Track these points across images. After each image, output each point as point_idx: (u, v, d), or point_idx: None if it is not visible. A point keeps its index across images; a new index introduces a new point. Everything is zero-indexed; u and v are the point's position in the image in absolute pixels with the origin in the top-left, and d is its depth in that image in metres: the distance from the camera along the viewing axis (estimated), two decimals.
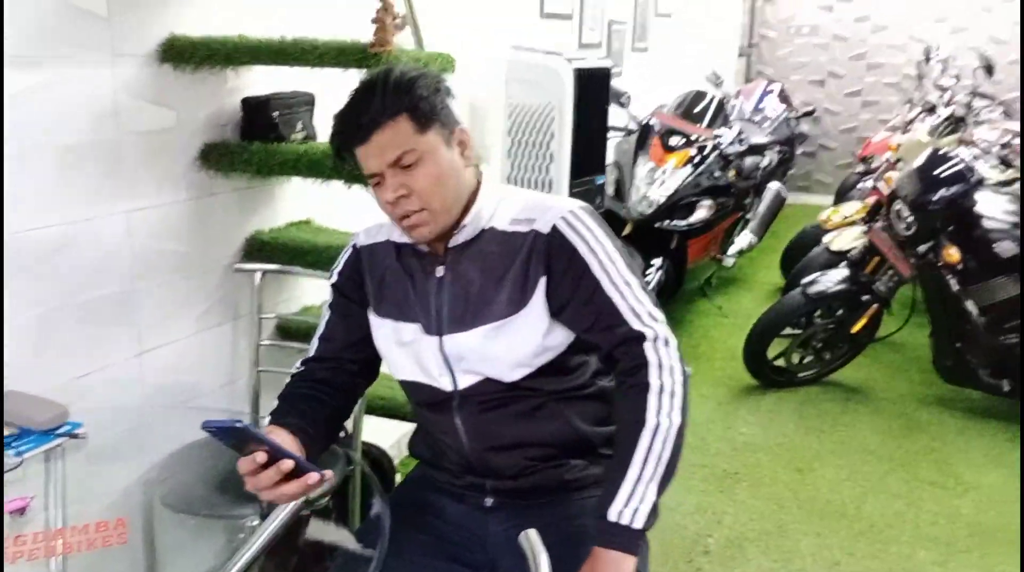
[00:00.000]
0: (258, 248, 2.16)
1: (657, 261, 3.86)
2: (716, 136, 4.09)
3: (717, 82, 5.43)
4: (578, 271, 1.27)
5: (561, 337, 1.32)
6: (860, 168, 5.58)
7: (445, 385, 1.35)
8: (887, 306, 3.49)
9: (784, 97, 6.01)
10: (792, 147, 5.87)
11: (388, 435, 2.78)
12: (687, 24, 5.68)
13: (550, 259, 1.28)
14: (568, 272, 1.27)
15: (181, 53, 1.83)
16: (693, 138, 4.00)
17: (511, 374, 1.31)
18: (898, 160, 4.16)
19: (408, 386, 1.42)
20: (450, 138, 1.28)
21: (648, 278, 3.81)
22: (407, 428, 2.77)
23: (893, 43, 7.14)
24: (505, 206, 1.34)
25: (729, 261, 4.51)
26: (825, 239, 4.24)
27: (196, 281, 2.05)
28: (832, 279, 3.48)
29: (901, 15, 7.06)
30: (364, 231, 1.46)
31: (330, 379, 1.43)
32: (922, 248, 3.24)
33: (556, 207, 1.31)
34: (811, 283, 3.50)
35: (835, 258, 4.06)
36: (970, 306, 3.15)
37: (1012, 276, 3.10)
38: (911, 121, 4.85)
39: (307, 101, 2.16)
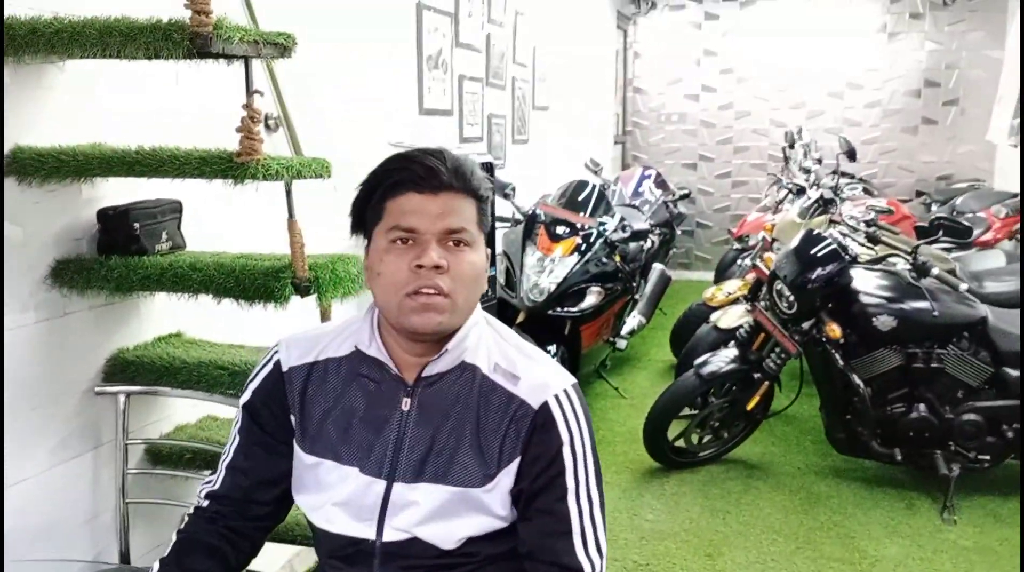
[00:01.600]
0: (122, 368, 1.98)
1: (552, 348, 3.82)
2: (600, 223, 4.14)
3: (596, 169, 5.57)
4: (554, 472, 1.16)
5: (512, 511, 1.21)
6: (737, 246, 5.79)
7: (367, 534, 1.19)
8: (777, 381, 3.55)
9: (660, 181, 6.22)
10: (672, 228, 6.05)
11: (277, 559, 2.56)
12: (564, 115, 5.83)
13: (530, 442, 1.16)
14: (543, 468, 1.16)
15: (26, 166, 1.68)
16: (578, 226, 4.03)
17: (446, 544, 1.17)
18: (774, 240, 4.31)
19: (323, 535, 1.24)
20: (485, 254, 1.21)
21: None
22: (297, 549, 2.58)
23: (756, 127, 7.56)
24: (489, 343, 1.23)
25: (622, 343, 4.52)
26: (712, 318, 4.33)
27: (48, 409, 1.85)
28: (723, 359, 3.51)
29: (761, 102, 7.50)
30: (291, 345, 1.27)
31: (235, 527, 1.27)
32: (805, 325, 3.31)
33: (549, 378, 1.20)
34: (703, 364, 3.52)
35: (722, 335, 4.14)
36: (855, 379, 3.23)
37: (892, 348, 3.21)
38: (781, 201, 5.08)
39: (173, 209, 2.03)
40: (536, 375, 1.20)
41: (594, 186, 4.37)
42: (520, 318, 3.90)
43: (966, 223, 3.57)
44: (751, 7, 7.40)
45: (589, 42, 6.45)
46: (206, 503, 1.29)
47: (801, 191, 4.55)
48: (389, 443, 1.19)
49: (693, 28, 7.59)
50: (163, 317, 2.15)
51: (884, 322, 3.19)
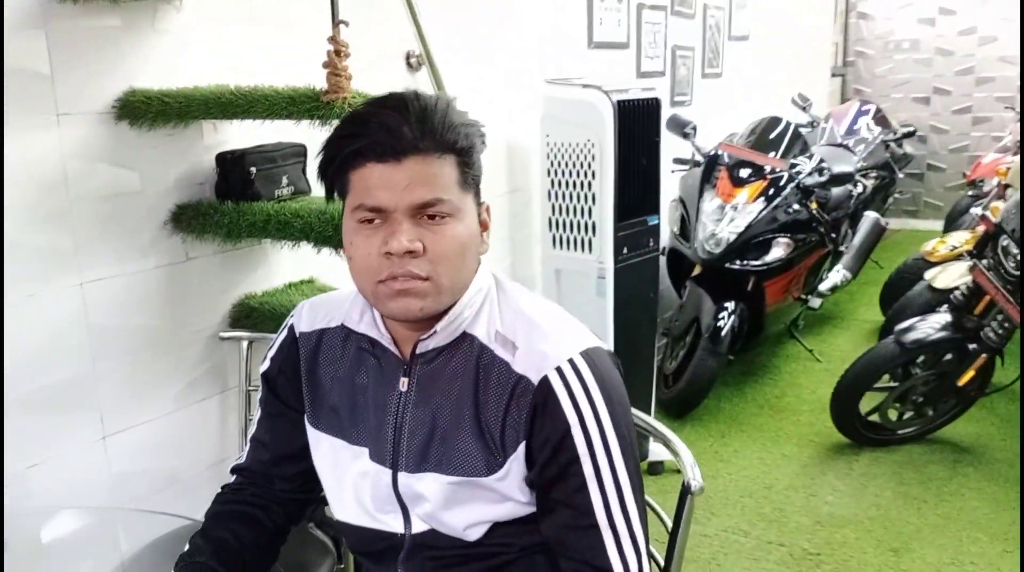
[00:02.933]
0: (247, 314, 1.97)
1: (730, 305, 3.49)
2: (792, 166, 3.70)
3: (804, 105, 5.03)
4: (564, 459, 1.00)
5: (530, 498, 1.06)
6: (970, 191, 5.05)
7: (395, 527, 1.08)
8: (999, 355, 3.01)
9: (880, 118, 5.53)
10: (892, 171, 5.37)
11: None
12: (768, 46, 5.29)
13: (533, 424, 1.00)
14: (550, 456, 1.00)
15: (136, 110, 1.66)
16: (766, 169, 3.62)
17: (471, 533, 1.05)
18: (1007, 186, 3.67)
19: (349, 529, 1.13)
20: (479, 212, 1.04)
21: (720, 324, 3.44)
22: None
23: (1004, 55, 6.52)
24: (491, 307, 1.07)
25: (815, 301, 4.08)
26: (927, 275, 3.78)
27: (173, 355, 1.87)
28: (932, 325, 3.03)
29: (1010, 25, 6.43)
30: (306, 309, 1.17)
31: (261, 496, 1.19)
32: None
33: (550, 346, 1.02)
34: (907, 330, 3.05)
35: (937, 296, 3.60)
36: None
37: None
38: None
39: (296, 153, 1.97)
40: (537, 342, 1.02)
41: (788, 123, 3.91)
42: (696, 271, 3.60)
43: None
44: None
45: None
46: (232, 477, 1.22)
47: None
48: (390, 428, 1.07)
49: None
50: (298, 263, 2.12)
51: None
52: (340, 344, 1.12)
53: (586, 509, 1.00)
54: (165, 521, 1.64)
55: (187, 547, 1.14)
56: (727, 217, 3.49)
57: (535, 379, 0.99)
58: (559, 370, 0.99)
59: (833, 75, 6.92)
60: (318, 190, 1.99)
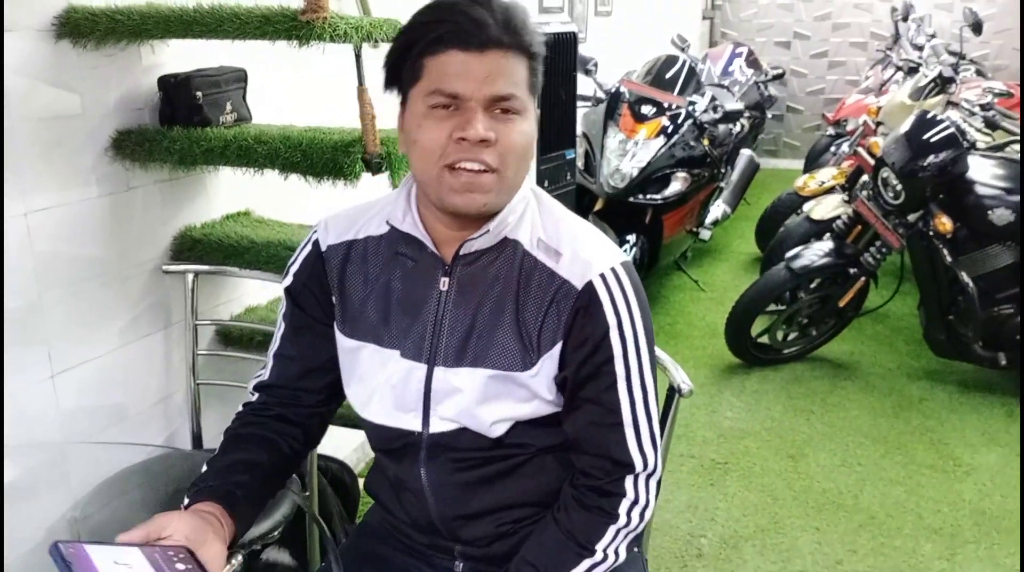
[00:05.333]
0: (189, 246, 1.90)
1: (631, 237, 3.64)
2: (690, 103, 3.86)
3: (683, 46, 5.21)
4: (600, 358, 1.05)
5: (560, 397, 1.10)
6: (831, 131, 5.42)
7: (413, 425, 1.10)
8: (874, 278, 3.32)
9: (752, 60, 5.82)
10: (763, 111, 5.69)
11: (347, 443, 2.55)
12: None
13: (572, 325, 1.04)
14: (588, 354, 1.05)
15: (79, 27, 1.55)
16: (665, 106, 3.77)
17: (496, 429, 1.09)
18: (878, 124, 3.98)
19: (372, 427, 1.16)
20: (535, 117, 1.05)
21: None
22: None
23: (859, 2, 6.96)
24: (535, 216, 1.10)
25: (705, 234, 4.32)
26: (805, 208, 4.08)
27: (116, 288, 1.79)
28: (817, 252, 3.29)
29: None
30: (330, 223, 1.17)
31: (285, 415, 1.19)
32: (911, 217, 3.06)
33: (595, 255, 1.06)
34: (795, 257, 3.31)
35: (815, 227, 3.90)
36: (963, 277, 2.99)
37: (1007, 244, 2.94)
38: (886, 82, 4.67)
39: (238, 78, 1.89)
40: (581, 251, 1.06)
41: (684, 62, 4.07)
42: (598, 206, 3.72)
43: None
44: None
45: None
46: (255, 396, 1.21)
47: (913, 70, 4.15)
48: (428, 325, 1.09)
49: None
50: (231, 194, 2.05)
51: (1001, 216, 2.92)
52: (371, 252, 1.13)
53: (613, 407, 1.06)
54: (117, 455, 1.61)
55: (204, 468, 1.12)
56: (630, 153, 3.62)
57: (579, 284, 1.03)
58: (602, 276, 1.04)
59: (703, 18, 7.18)
60: (258, 117, 1.95)
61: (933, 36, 4.53)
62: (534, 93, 1.03)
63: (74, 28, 1.56)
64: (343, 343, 1.15)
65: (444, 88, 0.96)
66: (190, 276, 1.87)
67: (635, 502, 1.09)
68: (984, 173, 3.01)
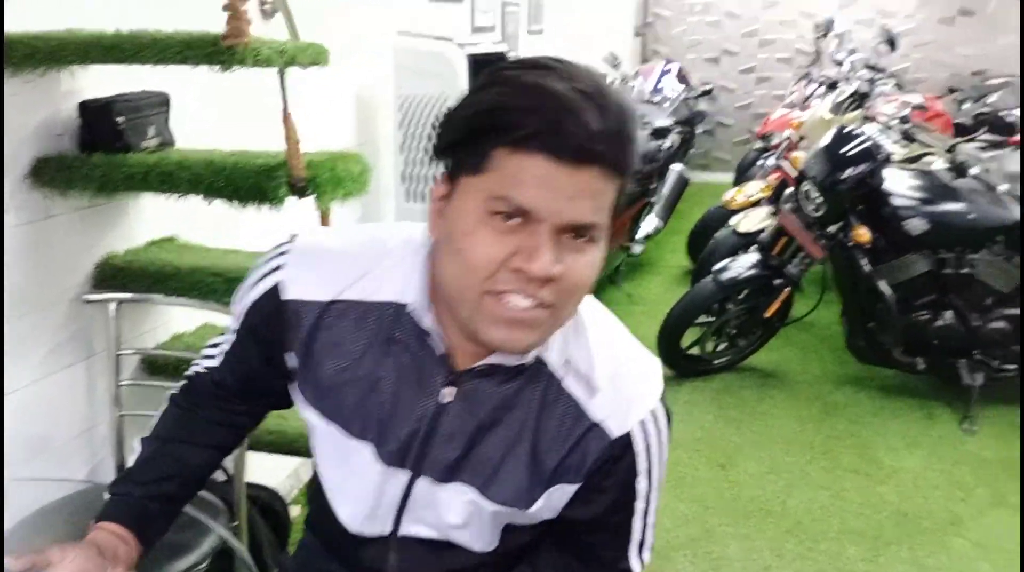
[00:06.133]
0: (112, 274, 1.87)
1: None
2: None
3: (615, 63, 5.31)
4: (623, 499, 0.93)
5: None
6: (759, 145, 5.57)
7: (381, 530, 0.99)
8: (799, 288, 3.43)
9: (682, 76, 5.95)
10: (692, 127, 5.81)
11: (278, 470, 2.52)
12: (581, 5, 5.52)
13: (598, 472, 0.91)
14: (610, 499, 0.93)
15: None
16: None
17: (480, 546, 0.98)
18: (801, 138, 4.11)
19: (338, 531, 1.04)
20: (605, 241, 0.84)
21: None
22: (300, 461, 2.53)
23: (784, 19, 7.19)
24: (567, 329, 0.89)
25: (637, 248, 4.40)
26: (732, 221, 4.18)
27: (35, 318, 1.75)
28: (743, 265, 3.38)
29: None
30: (300, 265, 0.93)
31: (217, 410, 1.08)
32: (832, 229, 3.17)
33: (635, 393, 0.90)
34: (722, 270, 3.40)
35: (743, 240, 4.00)
36: (882, 285, 3.11)
37: (922, 253, 3.07)
38: (809, 97, 4.84)
39: (160, 102, 1.87)
40: (623, 388, 0.90)
41: (613, 80, 4.14)
42: None
43: (1008, 121, 3.37)
44: None
45: None
46: (184, 384, 1.10)
47: (833, 86, 4.31)
48: (419, 431, 0.92)
49: None
50: (155, 220, 2.03)
51: (916, 225, 3.05)
52: (354, 319, 0.92)
53: (625, 533, 0.96)
54: (37, 492, 1.57)
55: (134, 463, 1.06)
56: None
57: (615, 431, 0.89)
58: (643, 424, 0.90)
59: (635, 35, 7.32)
60: (182, 142, 1.94)
61: (853, 52, 4.71)
62: (617, 212, 0.83)
63: None
64: (307, 414, 0.98)
65: (515, 198, 0.75)
66: (113, 305, 1.84)
67: None
68: (900, 184, 3.13)
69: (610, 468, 0.90)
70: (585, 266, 0.79)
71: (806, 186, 3.17)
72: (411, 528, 0.98)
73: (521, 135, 0.74)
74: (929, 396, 3.35)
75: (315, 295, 0.92)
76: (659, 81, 5.78)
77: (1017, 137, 4.73)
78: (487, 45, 2.85)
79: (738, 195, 4.46)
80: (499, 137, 0.75)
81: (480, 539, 0.98)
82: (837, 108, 3.95)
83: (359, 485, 0.97)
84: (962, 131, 3.26)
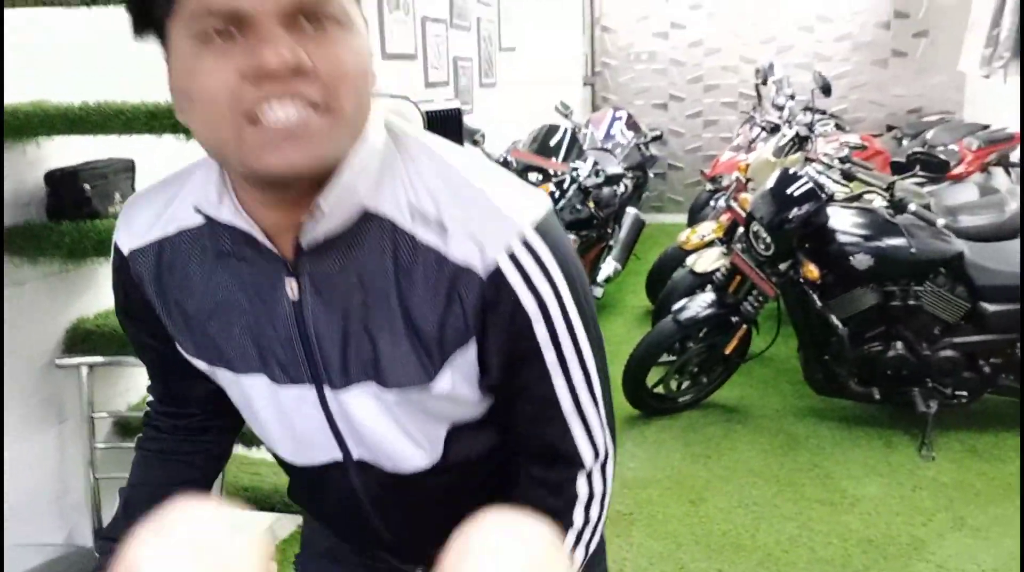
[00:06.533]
0: (83, 338, 1.89)
1: None
2: (573, 169, 4.05)
3: (566, 112, 5.44)
4: (525, 351, 0.82)
5: (487, 397, 0.89)
6: (709, 187, 5.73)
7: (332, 455, 0.90)
8: (755, 324, 3.53)
9: (632, 123, 6.12)
10: (644, 171, 5.97)
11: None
12: (531, 57, 5.68)
13: (485, 323, 0.80)
14: (509, 350, 0.82)
15: None
16: (551, 173, 3.94)
17: (422, 459, 0.89)
18: (748, 180, 4.26)
19: (284, 462, 0.98)
20: (366, 29, 0.74)
21: None
22: (276, 516, 2.53)
23: (726, 65, 7.45)
24: (398, 170, 0.79)
25: (597, 291, 4.48)
26: (688, 261, 4.28)
27: (7, 384, 1.76)
28: (701, 304, 3.48)
29: (731, 38, 7.38)
30: (130, 211, 0.89)
31: (183, 442, 1.05)
32: (782, 266, 3.28)
33: (492, 223, 0.78)
34: (681, 310, 3.48)
35: (699, 279, 4.10)
36: (833, 319, 3.21)
37: (869, 287, 3.19)
38: (754, 139, 5.02)
39: (126, 167, 1.92)
40: (475, 219, 0.78)
41: (565, 130, 4.27)
42: None
43: (942, 157, 3.54)
44: None
45: None
46: (147, 421, 1.09)
47: (775, 129, 4.48)
48: (292, 338, 0.83)
49: None
50: None
51: (861, 260, 3.17)
52: (189, 251, 0.84)
53: (550, 400, 0.86)
54: (14, 556, 1.57)
55: (115, 515, 1.05)
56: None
57: (482, 270, 0.77)
58: (512, 256, 0.77)
59: (584, 84, 7.51)
60: None
61: (792, 97, 4.91)
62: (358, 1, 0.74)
63: None
64: (197, 363, 0.91)
65: (215, 5, 0.65)
66: (85, 368, 1.85)
67: (590, 498, 0.91)
68: (843, 222, 3.26)
69: (495, 318, 0.79)
70: (344, 52, 0.68)
71: (755, 227, 3.28)
72: (356, 451, 0.89)
73: None
74: (886, 424, 3.45)
75: (144, 238, 0.86)
76: (610, 128, 5.94)
77: (955, 170, 4.96)
78: (441, 102, 2.93)
79: (692, 236, 4.58)
80: None
81: (417, 449, 0.87)
82: (780, 151, 4.11)
83: (277, 418, 0.89)
84: (899, 169, 3.41)
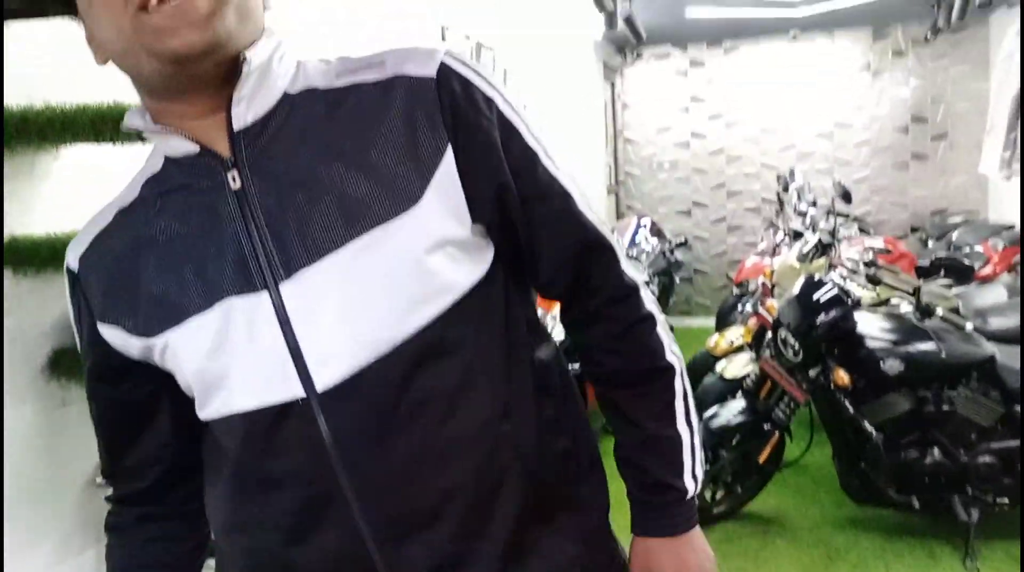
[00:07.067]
0: None
1: None
2: None
3: None
4: (504, 138, 0.82)
5: (485, 253, 0.84)
6: (736, 291, 5.77)
7: (291, 392, 0.78)
8: (788, 431, 3.49)
9: (656, 230, 6.22)
10: (671, 277, 6.03)
11: None
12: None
13: (455, 118, 0.78)
14: (487, 142, 0.80)
15: (21, 256, 1.66)
16: None
17: (405, 323, 0.77)
18: (774, 286, 4.29)
19: (219, 430, 0.85)
20: None
21: None
22: None
23: (748, 171, 7.61)
24: (311, 66, 0.84)
25: None
26: (718, 368, 4.28)
27: (49, 504, 1.80)
28: (732, 411, 3.46)
29: (751, 146, 7.56)
30: (73, 248, 0.91)
31: (161, 519, 0.98)
32: (812, 372, 3.27)
33: (421, 50, 0.81)
34: (712, 417, 3.47)
35: (729, 385, 4.09)
36: (867, 425, 3.18)
37: (902, 392, 3.16)
38: (778, 244, 5.08)
39: None
40: (400, 52, 0.82)
41: None
42: None
43: (966, 262, 3.55)
44: (735, 53, 7.50)
45: (578, 94, 6.51)
46: (112, 516, 1.02)
47: (798, 235, 4.55)
48: (240, 235, 0.78)
49: (679, 76, 7.68)
50: None
51: (892, 366, 3.15)
52: (127, 225, 0.86)
53: (559, 191, 0.87)
54: None
55: None
56: (549, 326, 3.80)
57: (428, 72, 0.79)
58: (448, 59, 0.81)
59: (609, 193, 7.69)
60: None
61: (814, 203, 4.99)
62: None
63: (17, 258, 1.66)
64: (144, 345, 0.84)
65: None
66: None
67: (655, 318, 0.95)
68: (872, 327, 3.27)
69: (463, 109, 0.79)
70: None
71: (783, 333, 3.30)
72: (323, 375, 0.77)
73: None
74: (928, 534, 3.35)
75: (88, 238, 0.88)
76: (635, 236, 6.04)
77: (983, 271, 4.97)
78: None
79: (721, 341, 4.59)
80: None
81: (401, 312, 0.77)
82: (804, 257, 4.15)
83: (227, 354, 0.79)
84: (925, 273, 3.43)
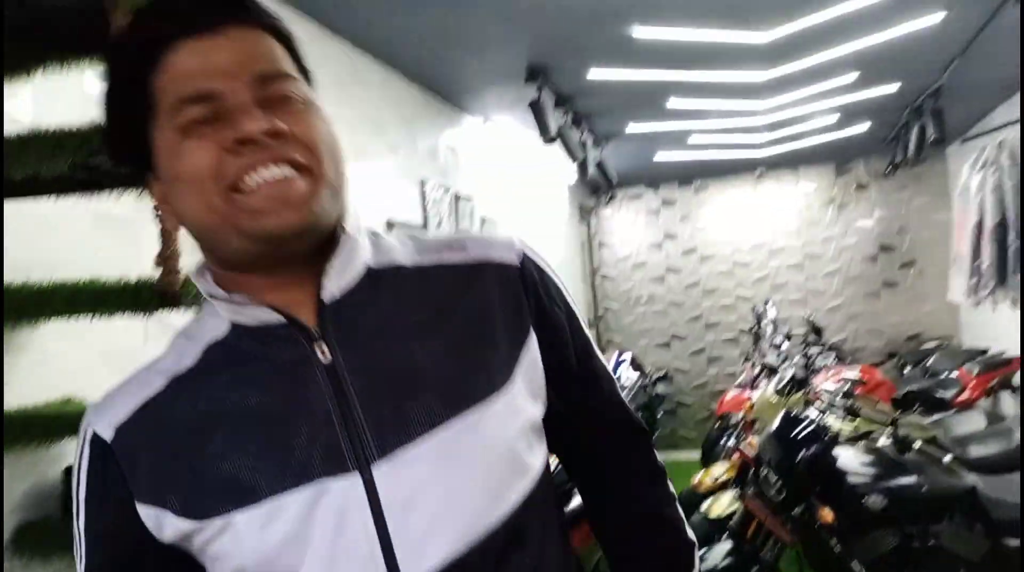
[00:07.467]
0: None
1: None
2: None
3: None
4: (570, 325, 0.90)
5: (543, 436, 0.88)
6: (719, 424, 5.76)
7: None
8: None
9: (636, 364, 6.27)
10: (652, 411, 6.03)
11: None
12: None
13: (539, 309, 0.85)
14: (564, 330, 0.89)
15: None
16: None
17: (496, 509, 0.76)
18: (755, 420, 4.31)
19: None
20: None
21: None
22: None
23: (724, 304, 7.74)
24: (388, 242, 0.86)
25: None
26: (703, 508, 4.22)
27: None
28: (718, 554, 3.40)
29: (725, 279, 7.74)
30: (102, 404, 0.80)
31: None
32: (796, 511, 3.24)
33: (499, 239, 0.88)
34: (700, 561, 3.40)
35: (714, 525, 4.02)
36: (855, 566, 3.12)
37: (887, 529, 3.13)
38: (756, 377, 5.12)
39: None
40: (480, 239, 0.88)
41: None
42: None
43: (942, 391, 3.59)
44: (704, 191, 7.79)
45: (555, 236, 6.70)
46: None
47: (774, 370, 4.60)
48: (333, 413, 0.75)
49: (652, 214, 7.93)
50: None
51: (875, 501, 3.13)
52: (186, 394, 0.78)
53: (604, 374, 0.96)
54: None
55: None
56: None
57: (513, 260, 0.86)
58: (524, 249, 0.90)
59: (589, 327, 7.78)
60: None
61: (788, 337, 5.07)
62: (306, 75, 0.81)
63: None
64: (203, 529, 0.75)
65: (185, 91, 0.72)
66: None
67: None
68: (852, 462, 3.26)
69: (542, 303, 0.86)
70: (314, 121, 0.75)
71: (764, 470, 3.29)
72: (416, 566, 0.72)
73: (154, 43, 0.73)
74: None
75: (128, 408, 0.78)
76: (615, 370, 6.08)
77: (960, 398, 5.00)
78: None
79: (706, 478, 4.54)
80: (136, 66, 0.74)
81: (489, 498, 0.76)
82: (781, 391, 4.19)
83: (303, 541, 0.73)
84: (901, 404, 3.46)
